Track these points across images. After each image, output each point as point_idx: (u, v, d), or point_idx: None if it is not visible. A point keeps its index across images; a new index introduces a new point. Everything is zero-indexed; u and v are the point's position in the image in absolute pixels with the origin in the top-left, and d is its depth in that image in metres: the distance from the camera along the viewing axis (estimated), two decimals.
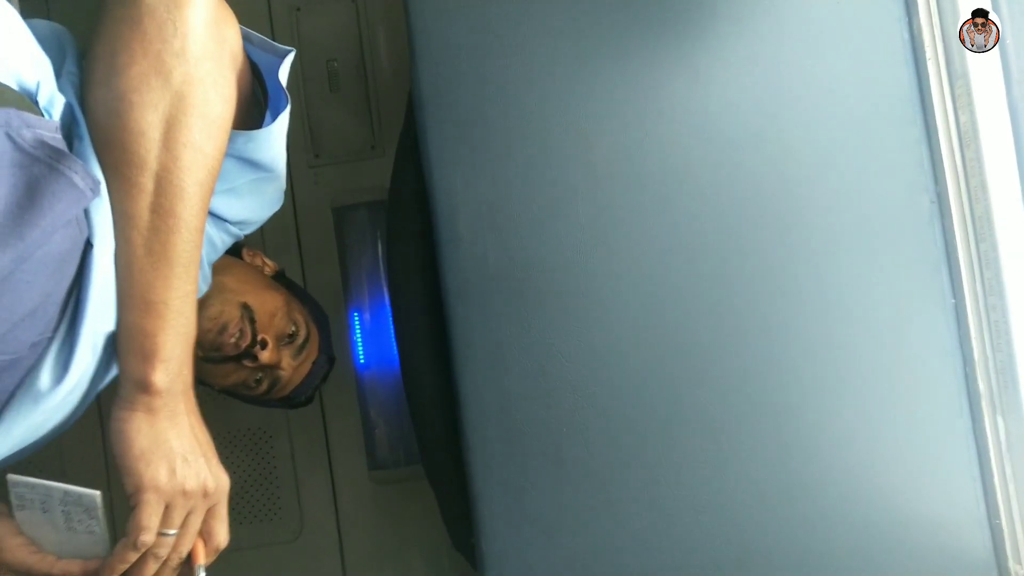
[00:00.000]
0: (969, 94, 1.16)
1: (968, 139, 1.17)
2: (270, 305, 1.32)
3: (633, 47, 1.21)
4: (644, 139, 1.20)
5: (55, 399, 0.85)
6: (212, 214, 1.02)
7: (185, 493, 0.87)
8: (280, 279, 1.43)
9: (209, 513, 0.92)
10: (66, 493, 0.87)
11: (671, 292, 1.19)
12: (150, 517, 0.85)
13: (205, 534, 0.93)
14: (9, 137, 0.76)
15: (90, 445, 1.72)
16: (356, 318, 1.73)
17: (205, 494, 0.90)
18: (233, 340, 1.28)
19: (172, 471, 0.86)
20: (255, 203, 1.07)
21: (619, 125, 1.21)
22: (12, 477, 0.88)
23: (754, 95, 1.20)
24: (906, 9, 1.19)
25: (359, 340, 1.73)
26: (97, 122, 0.83)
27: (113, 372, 0.93)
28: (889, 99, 1.19)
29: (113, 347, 0.88)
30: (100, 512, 0.88)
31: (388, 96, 1.83)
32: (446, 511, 1.48)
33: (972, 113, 1.16)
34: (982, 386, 1.17)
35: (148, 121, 0.81)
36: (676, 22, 1.21)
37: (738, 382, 1.19)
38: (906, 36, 1.19)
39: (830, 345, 1.18)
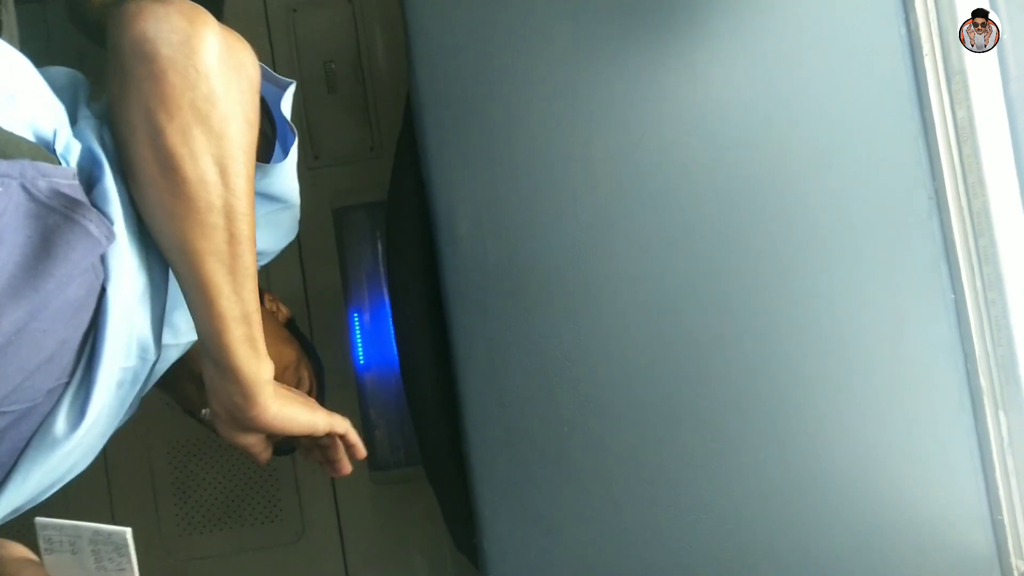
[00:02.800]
0: (966, 90, 1.16)
1: (965, 135, 1.17)
2: (284, 359, 1.30)
3: (631, 47, 1.21)
4: (642, 138, 1.20)
5: (71, 444, 0.86)
6: None
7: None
8: (291, 327, 1.42)
9: None
10: (96, 532, 0.88)
11: (670, 290, 1.19)
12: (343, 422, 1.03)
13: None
14: (24, 188, 0.77)
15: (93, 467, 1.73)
16: (356, 319, 1.74)
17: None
18: None
19: (315, 407, 1.01)
20: (271, 234, 1.09)
21: (617, 125, 1.21)
22: (40, 520, 0.89)
23: (751, 93, 1.20)
24: (903, 5, 1.19)
25: (359, 341, 1.73)
26: (154, 180, 0.84)
27: (129, 410, 0.95)
28: (886, 95, 1.19)
29: (128, 386, 0.90)
30: (130, 549, 0.89)
31: (386, 97, 1.83)
32: (447, 511, 1.48)
33: (969, 109, 1.16)
34: (983, 381, 1.17)
35: (204, 168, 0.83)
36: (673, 21, 1.21)
37: (738, 380, 1.19)
38: (903, 32, 1.19)
39: (830, 343, 1.18)
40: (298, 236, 1.93)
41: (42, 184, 0.78)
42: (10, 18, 1.59)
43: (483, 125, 1.21)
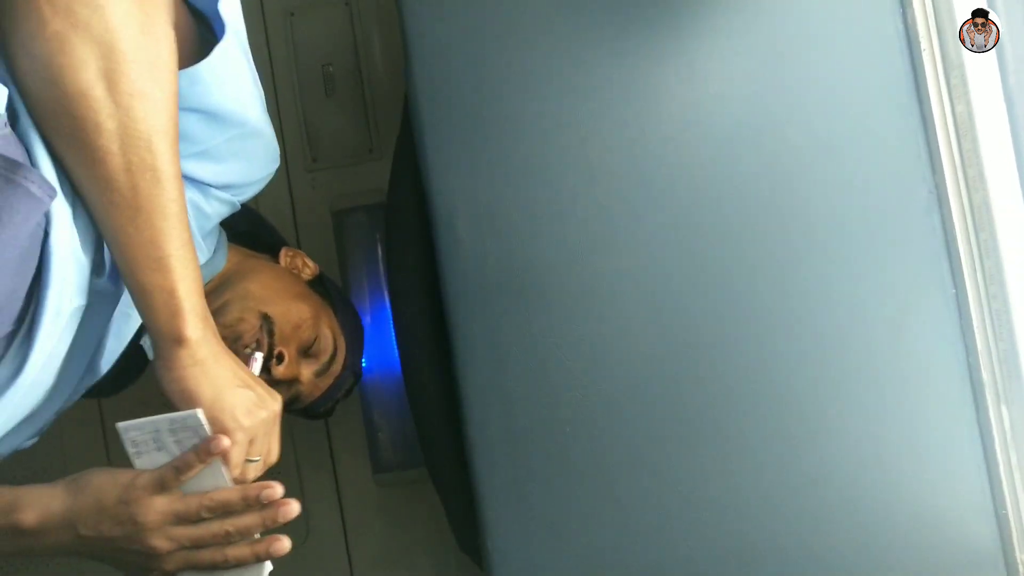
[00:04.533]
0: (965, 84, 1.16)
1: (965, 129, 1.17)
2: (295, 316, 1.22)
3: (627, 44, 1.21)
4: (641, 136, 1.20)
5: (18, 388, 0.84)
6: (190, 179, 0.97)
7: (264, 423, 0.93)
8: (319, 283, 1.35)
9: None
10: (171, 421, 0.89)
11: (671, 289, 1.19)
12: (238, 455, 0.91)
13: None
14: None
15: (92, 440, 1.74)
16: None
17: (276, 418, 0.96)
18: (248, 351, 1.18)
19: (248, 410, 0.91)
20: (238, 165, 1.02)
21: (616, 123, 1.21)
22: (121, 424, 0.89)
23: (749, 89, 1.19)
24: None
25: None
26: (33, 94, 0.78)
27: (99, 373, 0.93)
28: (884, 90, 1.19)
29: (85, 324, 0.87)
30: (207, 428, 0.89)
31: (384, 99, 1.83)
32: (451, 513, 1.48)
33: (968, 103, 1.16)
34: (985, 376, 1.17)
35: (85, 80, 0.76)
36: (670, 19, 1.21)
37: (740, 377, 1.19)
38: (900, 27, 1.19)
39: (831, 339, 1.18)
40: (297, 239, 1.94)
41: None
42: None
43: (481, 125, 1.21)
